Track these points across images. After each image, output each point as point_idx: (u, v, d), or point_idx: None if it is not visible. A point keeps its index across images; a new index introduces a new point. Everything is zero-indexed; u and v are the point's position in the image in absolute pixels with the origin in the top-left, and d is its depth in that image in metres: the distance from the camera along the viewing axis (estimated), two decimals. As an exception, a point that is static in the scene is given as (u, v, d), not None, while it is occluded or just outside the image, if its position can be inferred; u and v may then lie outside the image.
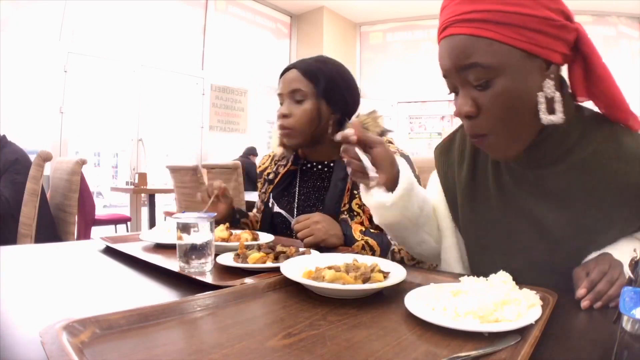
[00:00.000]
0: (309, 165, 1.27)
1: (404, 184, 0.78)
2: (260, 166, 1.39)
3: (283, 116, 1.17)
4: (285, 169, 1.28)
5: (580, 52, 0.64)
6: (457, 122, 0.88)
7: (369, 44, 6.94)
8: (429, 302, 0.56)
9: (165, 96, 5.07)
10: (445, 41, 0.65)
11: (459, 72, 0.64)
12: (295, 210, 1.23)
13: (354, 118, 1.22)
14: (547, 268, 0.73)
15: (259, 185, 1.36)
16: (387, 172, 0.77)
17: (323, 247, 0.99)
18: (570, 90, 0.69)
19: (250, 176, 4.29)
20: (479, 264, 0.82)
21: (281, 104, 1.21)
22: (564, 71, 0.68)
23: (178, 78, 5.16)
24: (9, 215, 2.17)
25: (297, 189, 1.25)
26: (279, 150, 1.30)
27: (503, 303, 0.52)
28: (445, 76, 0.68)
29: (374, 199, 0.79)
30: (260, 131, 6.26)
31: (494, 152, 0.70)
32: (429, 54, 6.54)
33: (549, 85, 0.62)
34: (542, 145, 0.68)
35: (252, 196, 3.35)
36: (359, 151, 0.76)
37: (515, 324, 0.49)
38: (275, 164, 1.33)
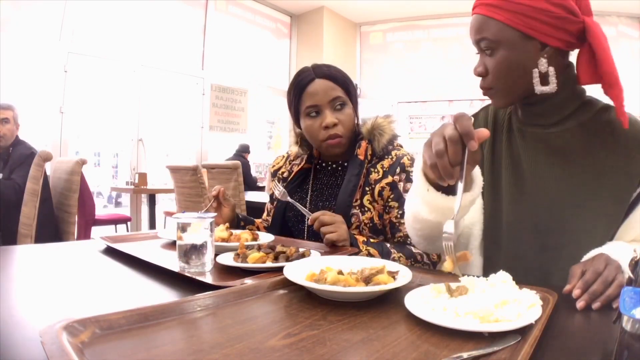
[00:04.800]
0: (323, 164, 1.30)
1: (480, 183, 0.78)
2: (274, 166, 1.41)
3: (334, 125, 1.17)
4: (299, 167, 1.31)
5: (588, 41, 0.78)
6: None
7: (369, 44, 6.93)
8: (429, 302, 0.56)
9: (165, 96, 5.06)
10: (472, 17, 0.85)
11: (477, 42, 0.83)
12: (308, 205, 1.26)
13: (369, 121, 1.25)
14: (544, 230, 0.83)
15: (272, 185, 1.37)
16: None
17: (330, 246, 1.01)
18: (575, 72, 0.83)
19: (243, 176, 4.24)
20: (490, 230, 0.90)
21: (314, 113, 1.19)
22: (573, 55, 0.84)
23: (178, 78, 5.16)
24: (15, 208, 2.23)
25: (310, 185, 1.28)
26: (294, 149, 1.34)
27: (503, 303, 0.52)
28: (473, 44, 0.87)
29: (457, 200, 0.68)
30: (260, 131, 6.25)
31: (494, 100, 0.88)
32: (429, 54, 6.53)
33: (543, 63, 0.78)
34: (541, 105, 0.85)
35: (249, 196, 3.35)
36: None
37: (515, 323, 0.49)
38: (290, 164, 1.37)
